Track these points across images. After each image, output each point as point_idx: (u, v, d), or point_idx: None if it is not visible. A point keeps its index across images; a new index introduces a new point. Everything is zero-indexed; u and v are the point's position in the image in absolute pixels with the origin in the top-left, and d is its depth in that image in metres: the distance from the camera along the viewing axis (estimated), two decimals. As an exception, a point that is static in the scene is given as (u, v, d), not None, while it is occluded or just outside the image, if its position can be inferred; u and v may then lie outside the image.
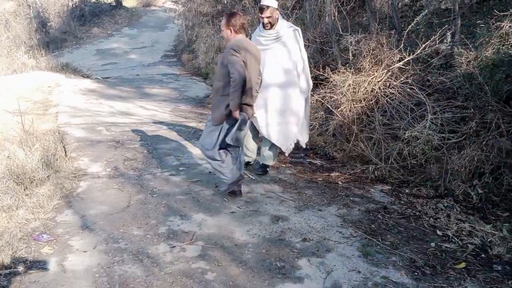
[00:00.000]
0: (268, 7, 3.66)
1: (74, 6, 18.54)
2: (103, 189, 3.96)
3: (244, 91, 3.22)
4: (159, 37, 18.40)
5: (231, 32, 3.31)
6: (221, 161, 3.48)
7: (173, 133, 6.13)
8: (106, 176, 4.32)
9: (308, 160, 4.91)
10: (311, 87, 4.28)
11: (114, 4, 21.48)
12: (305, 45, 6.87)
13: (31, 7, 16.50)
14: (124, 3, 22.31)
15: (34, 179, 4.15)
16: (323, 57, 7.17)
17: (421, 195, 3.90)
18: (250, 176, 4.31)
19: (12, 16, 18.59)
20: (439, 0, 6.96)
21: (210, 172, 4.47)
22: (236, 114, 3.27)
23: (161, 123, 6.77)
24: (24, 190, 3.96)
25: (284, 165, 4.69)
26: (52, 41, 15.94)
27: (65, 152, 5.05)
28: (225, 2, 12.93)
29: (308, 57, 6.65)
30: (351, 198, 3.81)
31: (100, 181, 4.18)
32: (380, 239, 3.10)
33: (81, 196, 3.79)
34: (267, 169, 4.41)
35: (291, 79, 3.96)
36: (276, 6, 3.75)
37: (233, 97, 3.18)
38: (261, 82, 3.64)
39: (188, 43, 15.92)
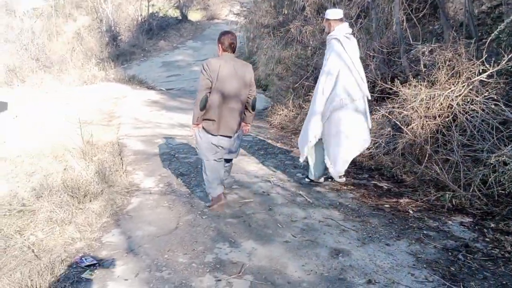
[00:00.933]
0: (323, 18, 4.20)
1: (143, 20, 19.37)
2: (153, 207, 3.79)
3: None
4: (221, 49, 18.59)
5: (218, 49, 3.57)
6: None
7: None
8: (158, 193, 4.16)
9: (372, 182, 4.41)
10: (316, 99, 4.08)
11: (180, 18, 22.19)
12: (370, 55, 6.46)
13: (103, 22, 17.46)
14: (189, 17, 22.98)
15: (88, 193, 4.10)
16: (390, 68, 6.61)
17: (511, 231, 3.26)
18: (307, 199, 3.93)
19: (86, 30, 19.89)
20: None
21: (263, 192, 4.15)
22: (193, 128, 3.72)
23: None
24: (78, 204, 3.92)
25: (345, 187, 4.24)
26: (121, 54, 16.72)
27: (122, 165, 5.01)
28: (286, 13, 12.70)
29: (374, 68, 6.21)
30: (425, 232, 3.26)
31: (152, 198, 4.02)
32: (462, 287, 2.56)
33: (131, 214, 3.64)
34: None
35: (317, 84, 4.06)
36: (327, 17, 3.92)
37: None
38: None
39: (248, 54, 15.90)
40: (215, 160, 3.63)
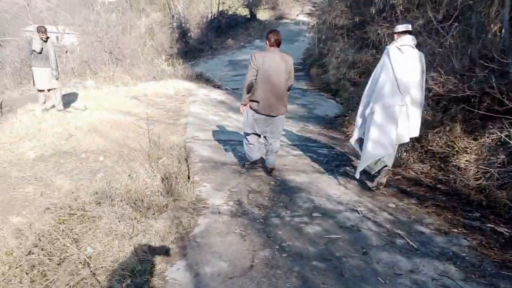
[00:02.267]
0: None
1: (212, 18, 19.23)
2: (224, 234, 3.20)
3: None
4: (288, 50, 17.70)
5: (266, 44, 4.28)
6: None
7: (303, 160, 5.23)
8: (228, 213, 3.58)
9: (488, 225, 3.50)
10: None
11: (249, 16, 21.84)
12: (466, 66, 5.45)
13: (174, 18, 17.49)
14: (258, 16, 22.57)
15: (152, 205, 3.63)
16: (497, 81, 5.56)
17: None
18: (409, 242, 3.13)
19: (158, 26, 20.15)
20: None
21: (352, 226, 3.42)
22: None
23: (289, 145, 5.94)
24: (140, 217, 3.45)
25: (456, 230, 3.38)
26: (190, 50, 16.64)
27: (188, 174, 4.51)
28: (365, 14, 11.74)
29: (475, 82, 5.20)
30: None
31: (221, 220, 3.44)
32: None
33: (198, 241, 3.08)
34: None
35: None
36: (395, 30, 4.08)
37: None
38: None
39: (318, 56, 15.09)
40: (255, 133, 4.42)
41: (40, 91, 7.34)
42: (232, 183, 4.31)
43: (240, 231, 3.26)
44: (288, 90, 4.33)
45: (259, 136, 4.49)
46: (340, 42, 12.45)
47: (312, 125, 7.73)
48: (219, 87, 11.78)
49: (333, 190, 4.22)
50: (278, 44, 4.20)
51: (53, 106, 7.56)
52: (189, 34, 17.41)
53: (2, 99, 8.76)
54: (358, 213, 3.67)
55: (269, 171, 4.60)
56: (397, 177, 4.62)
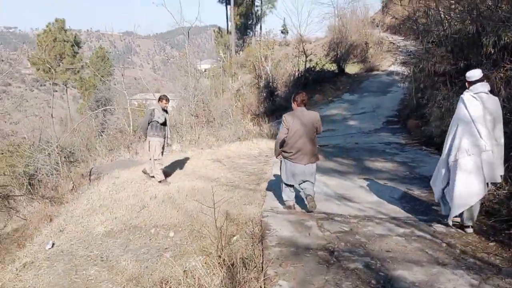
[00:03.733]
0: None
1: (299, 75, 18.91)
2: None
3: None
4: (380, 102, 16.59)
5: (293, 104, 4.82)
6: None
7: (413, 243, 3.91)
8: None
9: None
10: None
11: (337, 71, 21.15)
12: None
13: (262, 78, 17.50)
14: (347, 70, 21.77)
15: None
16: None
17: None
18: None
19: (248, 87, 20.44)
20: None
21: None
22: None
23: (393, 219, 4.65)
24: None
25: None
26: (277, 108, 16.26)
27: (262, 265, 3.51)
28: (470, 58, 10.13)
29: None
30: None
31: None
32: None
33: None
34: None
35: None
36: (468, 79, 4.14)
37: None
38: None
39: (415, 107, 13.46)
40: (289, 182, 4.95)
41: (155, 160, 6.76)
42: (317, 281, 3.18)
43: None
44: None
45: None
46: (443, 90, 10.87)
47: (417, 189, 6.26)
48: (306, 145, 10.88)
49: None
50: (304, 104, 4.74)
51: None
52: (276, 93, 17.16)
53: (92, 166, 8.92)
54: None
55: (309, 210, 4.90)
56: None
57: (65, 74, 28.44)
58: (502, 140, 4.11)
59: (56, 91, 44.53)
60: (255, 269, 3.38)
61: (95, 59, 36.55)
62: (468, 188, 3.99)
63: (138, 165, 8.34)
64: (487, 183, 4.07)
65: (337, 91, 19.40)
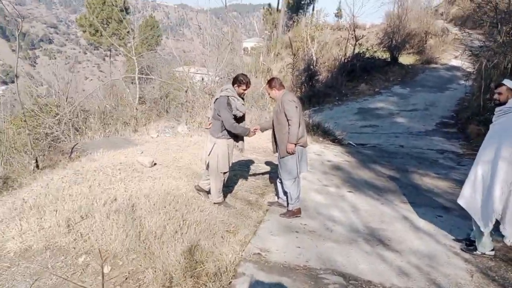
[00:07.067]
0: (503, 84, 3.51)
1: (346, 61, 16.48)
2: None
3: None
4: (436, 100, 13.95)
5: (277, 90, 4.21)
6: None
7: None
8: None
9: None
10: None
11: (389, 60, 18.41)
12: None
13: (304, 61, 15.31)
14: (400, 60, 18.92)
15: None
16: None
17: None
18: None
19: (290, 69, 18.28)
20: None
21: None
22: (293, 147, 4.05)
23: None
24: None
25: None
26: (315, 95, 14.12)
27: None
28: None
29: None
30: None
31: None
32: None
33: None
34: None
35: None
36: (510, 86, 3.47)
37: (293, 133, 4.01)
38: None
39: (479, 110, 10.83)
40: (304, 171, 4.41)
41: (224, 173, 4.36)
42: None
43: None
44: None
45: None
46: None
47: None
48: (339, 141, 8.81)
49: None
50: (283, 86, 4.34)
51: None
52: (316, 77, 14.94)
53: (77, 142, 7.44)
54: None
55: None
56: None
57: (110, 39, 27.51)
58: None
59: (107, 56, 44.34)
60: None
61: (144, 27, 35.49)
62: None
63: (129, 147, 6.74)
64: None
65: (386, 82, 16.82)
